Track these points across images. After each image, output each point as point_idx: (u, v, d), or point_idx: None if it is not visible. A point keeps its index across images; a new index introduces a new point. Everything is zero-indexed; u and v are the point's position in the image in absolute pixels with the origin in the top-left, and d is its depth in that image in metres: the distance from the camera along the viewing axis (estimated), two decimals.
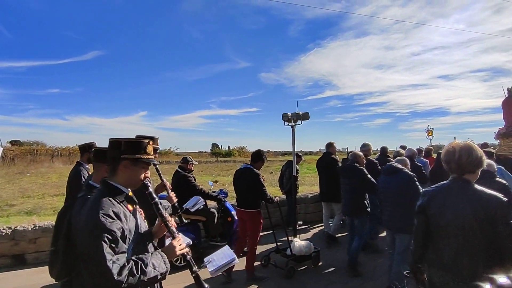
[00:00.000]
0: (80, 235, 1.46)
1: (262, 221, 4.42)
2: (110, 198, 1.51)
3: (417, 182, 3.55)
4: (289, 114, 5.06)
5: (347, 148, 6.38)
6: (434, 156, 7.19)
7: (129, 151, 1.61)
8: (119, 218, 1.47)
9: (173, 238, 1.72)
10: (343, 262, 4.66)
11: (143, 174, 1.68)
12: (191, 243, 4.09)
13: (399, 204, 3.52)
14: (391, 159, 5.52)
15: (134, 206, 1.67)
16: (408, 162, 3.98)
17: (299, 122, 5.09)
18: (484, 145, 6.37)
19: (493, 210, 1.72)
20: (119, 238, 1.43)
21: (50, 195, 10.08)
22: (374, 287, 4.10)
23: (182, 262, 4.24)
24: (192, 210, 4.71)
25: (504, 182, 3.26)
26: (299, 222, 6.77)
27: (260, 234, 4.45)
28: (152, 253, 1.59)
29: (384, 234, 4.66)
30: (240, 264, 4.19)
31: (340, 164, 5.70)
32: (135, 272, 1.40)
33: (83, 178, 3.71)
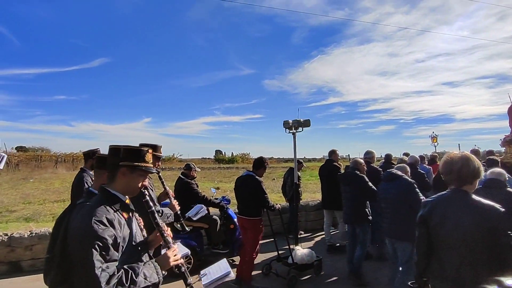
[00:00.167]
0: (71, 240, 1.44)
1: (262, 230, 4.36)
2: (106, 205, 1.49)
3: (417, 189, 3.50)
4: (290, 121, 5.04)
5: (348, 155, 6.28)
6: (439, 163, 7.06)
7: (127, 159, 1.60)
8: (113, 226, 1.44)
9: (168, 248, 1.69)
10: (346, 271, 4.58)
11: (141, 182, 1.67)
12: (189, 253, 4.04)
13: (399, 212, 3.47)
14: None
15: (130, 214, 1.64)
16: (408, 169, 3.93)
17: (300, 129, 5.06)
18: (489, 153, 6.26)
19: (495, 221, 1.72)
20: (110, 246, 1.39)
21: (51, 201, 10.06)
22: None
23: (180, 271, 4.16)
24: (194, 219, 4.68)
25: None
26: (300, 232, 6.71)
27: (261, 242, 4.40)
28: (144, 263, 1.55)
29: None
30: None
31: (342, 172, 5.61)
32: (125, 282, 1.37)
33: (86, 185, 3.70)
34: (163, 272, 1.59)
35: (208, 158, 51.19)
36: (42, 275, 4.63)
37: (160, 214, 2.79)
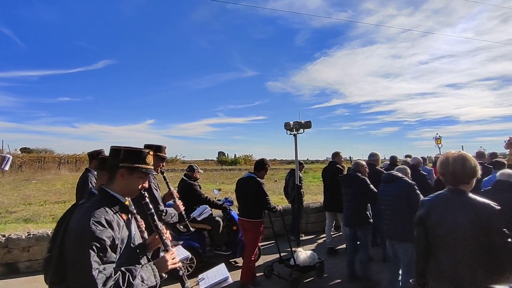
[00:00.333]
0: (68, 240, 1.42)
1: (262, 232, 4.35)
2: (105, 206, 1.47)
3: (417, 190, 3.47)
4: (291, 122, 5.04)
5: (350, 156, 6.21)
6: None
7: (127, 160, 1.58)
8: (111, 227, 1.42)
9: (166, 251, 1.67)
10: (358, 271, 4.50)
11: (141, 184, 1.65)
12: (190, 257, 4.03)
13: (399, 213, 3.45)
14: None
15: (129, 216, 1.62)
16: (409, 170, 3.92)
17: (301, 130, 5.05)
18: (493, 155, 6.16)
19: (486, 219, 1.74)
20: (108, 247, 1.37)
21: (52, 202, 10.04)
22: None
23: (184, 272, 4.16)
24: (199, 219, 4.68)
25: None
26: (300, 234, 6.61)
27: (263, 244, 4.42)
28: (142, 266, 1.52)
29: None
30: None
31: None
32: (121, 284, 1.35)
33: (90, 184, 3.80)
34: (163, 275, 1.58)
35: (211, 160, 51.14)
36: (39, 276, 4.62)
37: (164, 214, 2.81)
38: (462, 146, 15.09)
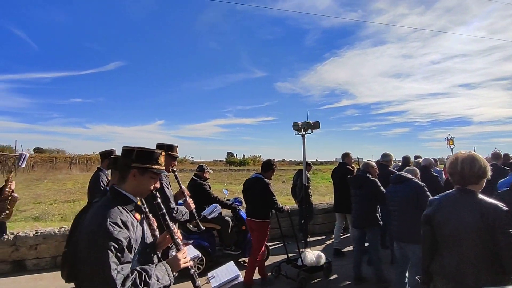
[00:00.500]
0: (84, 240, 1.42)
1: (268, 233, 4.35)
2: (119, 206, 1.49)
3: (427, 192, 3.40)
4: (300, 123, 5.02)
5: (357, 157, 6.10)
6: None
7: (139, 161, 1.59)
8: (127, 227, 1.44)
9: (178, 250, 1.69)
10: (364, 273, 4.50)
11: (152, 185, 1.66)
12: (200, 256, 4.08)
13: (407, 214, 3.40)
14: None
15: (142, 215, 1.65)
16: (418, 172, 3.85)
17: (309, 131, 5.02)
18: (506, 156, 5.95)
19: (491, 219, 1.74)
20: (125, 248, 1.39)
21: (61, 202, 10.22)
22: None
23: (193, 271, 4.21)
24: (209, 217, 4.72)
25: None
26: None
27: (270, 244, 4.39)
28: (156, 265, 1.55)
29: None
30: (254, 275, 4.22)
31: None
32: (139, 284, 1.37)
33: (102, 183, 3.94)
34: (174, 274, 1.60)
35: (220, 160, 51.37)
36: (46, 274, 4.64)
37: (175, 212, 2.85)
38: (474, 147, 14.70)
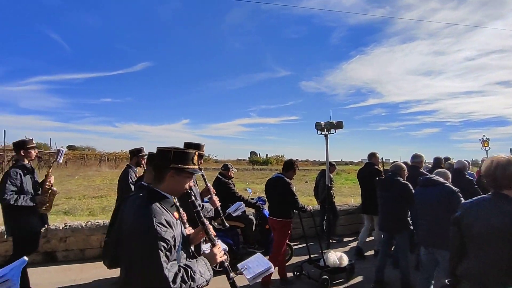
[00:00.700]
0: (132, 238, 1.47)
1: (290, 232, 4.34)
2: (160, 206, 1.54)
3: (461, 198, 3.19)
4: (322, 123, 4.92)
5: (382, 158, 5.89)
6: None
7: (176, 161, 1.63)
8: (171, 226, 1.49)
9: (213, 245, 1.76)
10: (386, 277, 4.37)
11: (187, 183, 1.71)
12: (227, 249, 4.13)
13: (439, 219, 3.21)
14: None
15: (179, 213, 1.71)
16: (450, 175, 3.62)
17: (332, 131, 4.91)
18: None
19: None
20: (172, 247, 1.46)
21: (90, 197, 10.65)
22: None
23: (217, 267, 4.26)
24: (234, 215, 4.77)
25: None
26: (333, 238, 6.53)
27: (293, 244, 4.43)
28: (197, 260, 1.62)
29: None
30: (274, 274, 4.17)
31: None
32: (186, 280, 1.44)
33: (130, 179, 4.14)
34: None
35: (243, 160, 51.71)
36: (74, 265, 4.84)
37: (201, 208, 2.92)
38: (511, 149, 13.73)
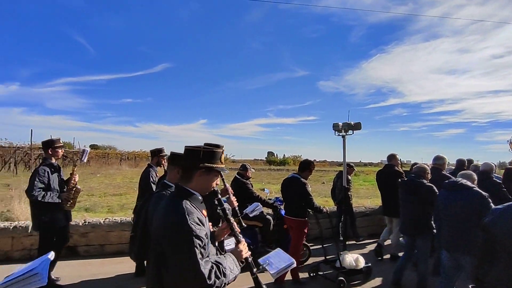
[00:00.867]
0: (165, 234, 1.50)
1: (306, 231, 4.37)
2: (190, 204, 1.57)
3: (491, 204, 3.06)
4: (340, 124, 4.86)
5: (400, 159, 5.76)
6: None
7: (206, 160, 1.66)
8: (203, 224, 1.54)
9: (239, 242, 1.80)
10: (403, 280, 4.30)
11: (215, 182, 1.75)
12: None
13: (466, 224, 3.12)
14: None
15: (207, 210, 1.74)
16: (476, 177, 3.49)
17: (350, 132, 4.85)
18: None
19: None
20: (205, 244, 1.51)
21: (110, 195, 10.95)
22: None
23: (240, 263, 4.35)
24: (250, 216, 4.78)
25: None
26: (360, 237, 6.58)
27: (310, 245, 4.51)
28: (225, 256, 1.67)
29: None
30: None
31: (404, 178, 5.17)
32: (219, 275, 1.49)
33: (151, 178, 4.27)
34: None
35: (260, 160, 51.79)
36: (95, 260, 4.99)
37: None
38: None
